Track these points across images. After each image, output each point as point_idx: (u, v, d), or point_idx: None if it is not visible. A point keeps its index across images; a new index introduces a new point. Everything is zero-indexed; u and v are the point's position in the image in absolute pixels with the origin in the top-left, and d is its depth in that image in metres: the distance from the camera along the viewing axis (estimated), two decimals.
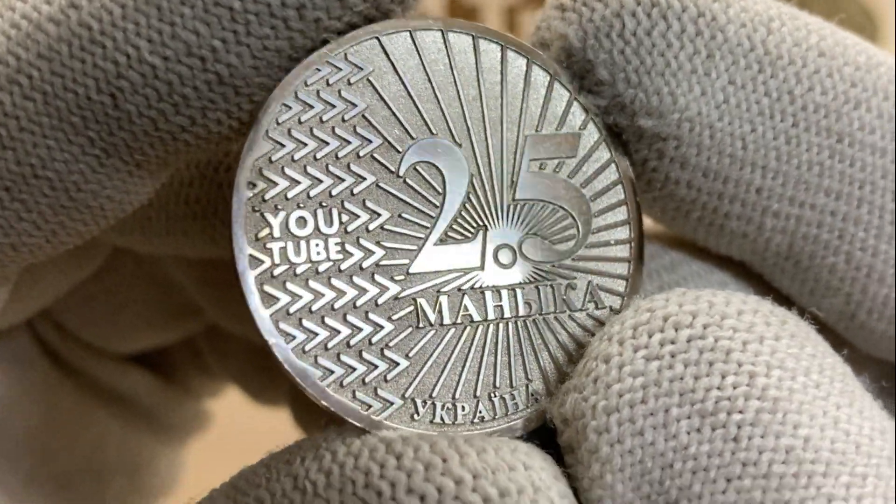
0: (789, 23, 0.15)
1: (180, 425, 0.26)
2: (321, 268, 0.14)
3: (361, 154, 0.14)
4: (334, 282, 0.14)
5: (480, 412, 0.14)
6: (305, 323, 0.13)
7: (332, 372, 0.13)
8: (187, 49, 0.13)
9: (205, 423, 0.27)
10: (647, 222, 0.17)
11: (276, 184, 0.14)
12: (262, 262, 0.13)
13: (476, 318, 0.14)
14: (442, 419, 0.14)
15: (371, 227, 0.14)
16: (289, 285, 0.13)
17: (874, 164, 0.15)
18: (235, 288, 0.13)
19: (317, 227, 0.14)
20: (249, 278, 0.13)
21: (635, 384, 0.13)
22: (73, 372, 0.23)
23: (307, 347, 0.13)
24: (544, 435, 0.14)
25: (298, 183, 0.14)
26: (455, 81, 0.14)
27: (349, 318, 0.14)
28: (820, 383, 0.13)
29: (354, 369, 0.14)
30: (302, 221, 0.14)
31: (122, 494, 0.24)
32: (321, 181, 0.14)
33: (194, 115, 0.14)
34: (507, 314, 0.14)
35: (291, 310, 0.13)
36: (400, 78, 0.14)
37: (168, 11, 0.13)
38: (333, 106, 0.14)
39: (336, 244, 0.14)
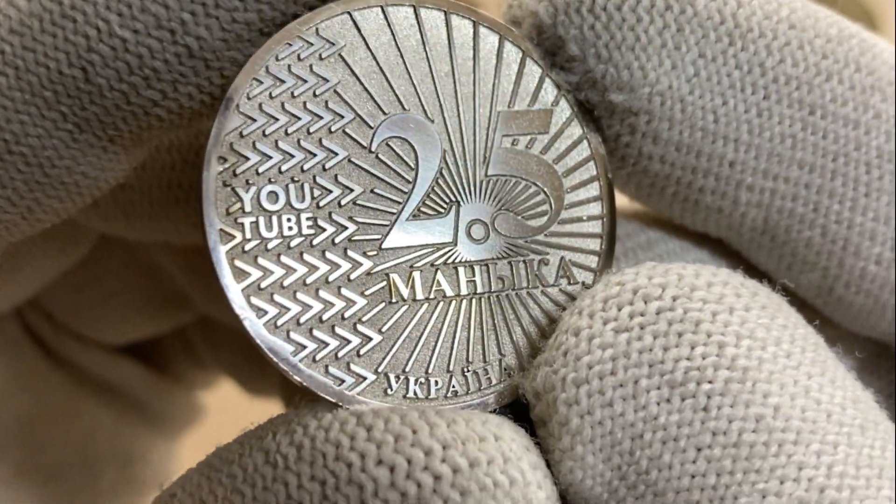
0: None
1: (173, 417, 0.26)
2: (293, 243, 0.14)
3: (333, 129, 0.14)
4: (306, 257, 0.14)
5: (454, 387, 0.14)
6: (277, 298, 0.13)
7: (305, 347, 0.13)
8: (157, 22, 0.13)
9: (198, 416, 0.27)
10: (624, 200, 0.17)
11: (247, 158, 0.13)
12: (233, 237, 0.13)
13: (449, 293, 0.14)
14: (415, 394, 0.14)
15: (343, 202, 0.14)
16: (260, 260, 0.13)
17: (847, 136, 0.15)
18: (207, 263, 0.13)
19: (288, 202, 0.14)
20: (220, 253, 0.13)
21: (604, 356, 0.13)
22: (64, 362, 0.23)
23: (279, 322, 0.13)
24: (518, 410, 0.14)
25: (270, 158, 0.14)
26: (427, 57, 0.14)
27: (321, 293, 0.14)
28: (791, 353, 0.13)
29: (327, 344, 0.14)
30: (273, 196, 0.14)
31: (114, 486, 0.24)
32: (293, 156, 0.14)
33: (165, 89, 0.14)
34: (479, 289, 0.14)
35: (263, 285, 0.13)
36: (372, 53, 0.14)
37: None
38: (305, 81, 0.14)
39: (308, 219, 0.14)
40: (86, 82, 0.14)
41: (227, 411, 0.28)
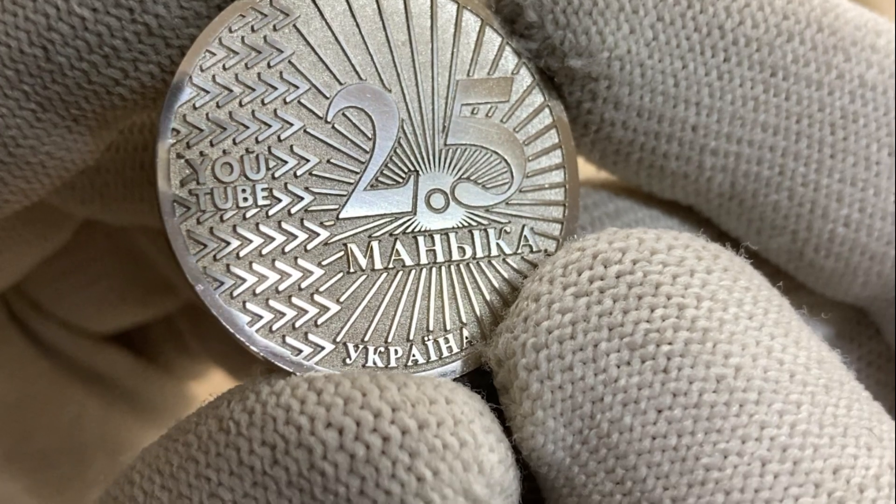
0: None
1: (163, 407, 0.26)
2: (248, 214, 0.13)
3: (288, 100, 0.14)
4: (262, 227, 0.13)
5: (414, 356, 0.14)
6: (233, 269, 0.13)
7: (261, 317, 0.13)
8: (115, 0, 0.13)
9: (188, 406, 0.27)
10: (592, 170, 0.16)
11: (200, 130, 0.13)
12: (188, 207, 0.13)
13: (408, 262, 0.14)
14: (374, 363, 0.14)
15: (299, 172, 0.14)
16: (216, 231, 0.13)
17: (810, 97, 0.14)
18: (161, 234, 0.13)
19: (243, 173, 0.13)
20: (174, 224, 0.13)
21: (564, 320, 0.13)
22: (50, 350, 0.23)
23: (235, 293, 0.13)
24: (481, 379, 0.14)
25: (224, 129, 0.13)
26: (384, 27, 0.14)
27: (277, 263, 0.13)
28: (753, 314, 0.13)
29: (283, 314, 0.13)
30: (228, 167, 0.13)
31: (104, 475, 0.24)
32: (247, 127, 0.14)
33: (126, 68, 0.14)
34: (440, 258, 0.14)
35: (218, 255, 0.13)
36: (327, 24, 0.14)
37: None
38: (259, 52, 0.14)
39: (263, 190, 0.13)
40: (46, 61, 0.14)
41: None
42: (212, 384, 0.27)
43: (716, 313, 0.12)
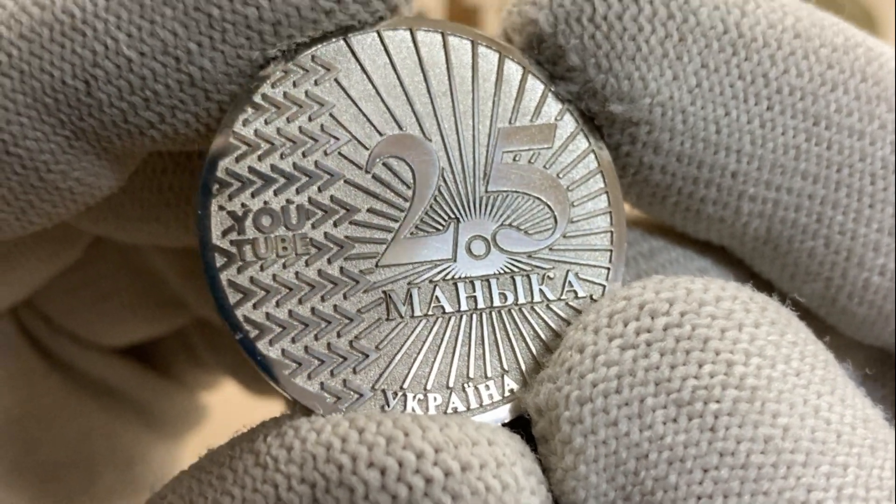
0: (764, 4, 0.14)
1: (175, 419, 0.26)
2: (289, 262, 0.13)
3: (329, 151, 0.14)
4: (302, 275, 0.13)
5: (453, 403, 0.14)
6: (273, 316, 0.13)
7: (300, 364, 0.13)
8: (164, 47, 0.13)
9: (200, 417, 0.26)
10: (626, 208, 0.16)
11: (242, 182, 0.13)
12: (230, 257, 0.13)
13: (448, 309, 0.14)
14: (413, 410, 0.13)
15: (339, 221, 0.14)
16: (256, 280, 0.13)
17: (852, 147, 0.14)
18: (204, 282, 0.13)
19: (284, 224, 0.13)
20: (216, 273, 0.13)
21: (609, 374, 0.12)
22: (60, 363, 0.23)
23: (275, 341, 0.13)
24: (520, 426, 0.14)
25: (265, 181, 0.13)
26: (425, 78, 0.14)
27: (318, 311, 0.13)
28: (800, 371, 0.12)
29: (322, 361, 0.13)
30: (269, 218, 0.13)
31: (113, 488, 0.24)
32: (288, 178, 0.13)
33: (163, 113, 0.14)
34: (480, 305, 0.14)
35: (258, 304, 0.13)
36: (368, 76, 0.14)
37: (150, 9, 0.13)
38: (300, 106, 0.14)
39: (303, 239, 0.13)
40: (87, 95, 0.14)
41: (229, 412, 0.28)
42: (223, 395, 0.27)
43: (764, 370, 0.12)
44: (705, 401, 0.12)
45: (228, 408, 0.27)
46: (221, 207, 0.13)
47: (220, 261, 0.13)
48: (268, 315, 0.13)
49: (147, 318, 0.23)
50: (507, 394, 0.14)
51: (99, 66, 0.13)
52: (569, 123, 0.14)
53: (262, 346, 0.13)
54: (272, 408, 0.26)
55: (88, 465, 0.23)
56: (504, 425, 0.14)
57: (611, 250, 0.14)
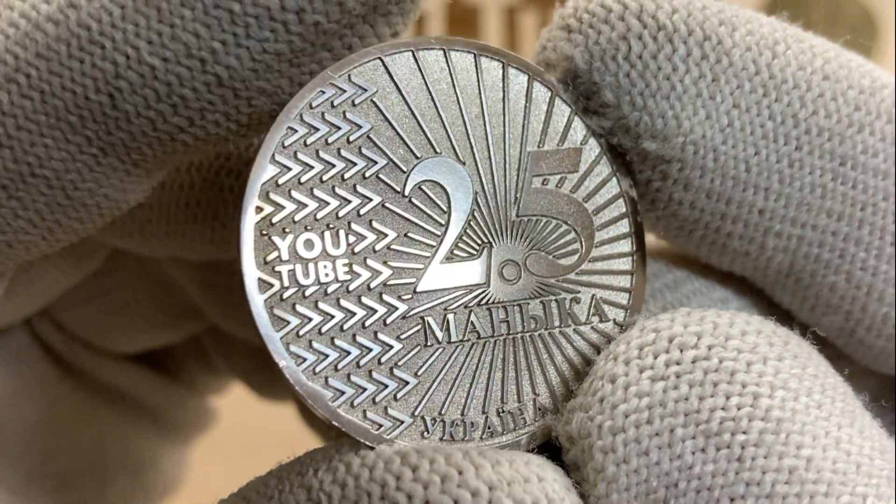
0: (794, 46, 0.14)
1: (185, 423, 0.26)
2: (330, 289, 0.13)
3: (367, 175, 0.14)
4: (343, 303, 0.13)
5: (490, 428, 0.14)
6: (315, 345, 0.13)
7: (343, 392, 0.13)
8: (187, 50, 0.13)
9: (210, 421, 0.27)
10: (650, 238, 0.16)
11: (283, 207, 0.13)
12: (272, 285, 0.13)
13: (483, 334, 0.14)
14: (451, 436, 0.14)
15: (378, 247, 0.14)
16: (298, 308, 0.13)
17: (876, 187, 0.15)
18: (244, 311, 0.13)
19: (324, 249, 0.13)
20: (259, 302, 0.13)
21: (641, 405, 0.13)
22: (73, 371, 0.23)
23: (318, 369, 0.13)
24: (548, 449, 0.14)
25: (305, 206, 0.13)
26: (458, 100, 0.14)
27: (359, 338, 0.13)
28: (822, 403, 0.13)
29: (365, 389, 0.13)
30: (310, 244, 0.13)
31: (125, 493, 0.24)
32: (328, 203, 0.14)
33: (193, 117, 0.14)
34: (513, 330, 0.14)
35: (301, 332, 0.13)
36: (403, 98, 0.14)
37: (168, 13, 0.13)
38: (338, 128, 0.14)
39: (344, 265, 0.14)
40: (113, 108, 0.13)
41: (237, 416, 0.28)
42: (232, 398, 0.27)
43: (788, 403, 0.13)
44: (733, 432, 0.12)
45: (235, 410, 0.28)
46: (263, 233, 0.13)
47: (262, 287, 0.13)
48: (310, 343, 0.13)
49: (162, 326, 0.23)
50: (538, 418, 0.14)
51: (122, 77, 0.13)
52: (593, 148, 0.15)
53: (306, 374, 0.13)
54: (280, 412, 0.26)
55: (100, 472, 0.23)
56: (535, 448, 0.14)
57: (632, 273, 0.15)
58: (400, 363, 0.14)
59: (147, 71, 0.13)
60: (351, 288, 0.14)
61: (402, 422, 0.14)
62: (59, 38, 0.13)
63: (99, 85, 0.13)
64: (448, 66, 0.14)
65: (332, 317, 0.13)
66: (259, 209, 0.13)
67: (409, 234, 0.14)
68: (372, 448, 0.13)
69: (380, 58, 0.14)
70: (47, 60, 0.13)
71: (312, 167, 0.14)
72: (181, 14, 0.13)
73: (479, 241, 0.14)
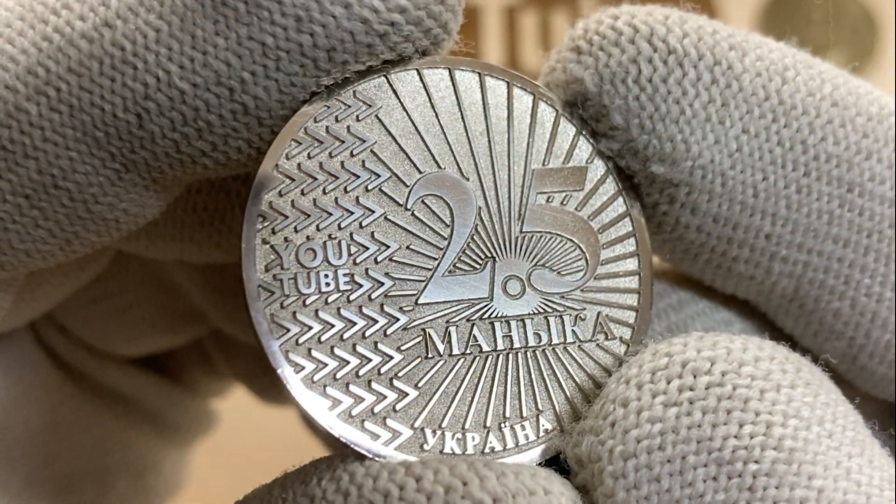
0: (804, 72, 0.14)
1: (187, 427, 0.25)
2: (330, 299, 0.13)
3: (370, 188, 0.13)
4: (343, 312, 0.13)
5: (490, 443, 0.13)
6: (315, 353, 0.13)
7: (341, 402, 0.13)
8: (217, 78, 0.13)
9: (211, 424, 0.26)
10: (654, 259, 0.16)
11: (285, 217, 0.13)
12: (272, 293, 0.13)
13: (485, 348, 0.13)
14: (451, 450, 0.13)
15: (380, 258, 0.13)
16: (298, 316, 0.13)
17: (882, 214, 0.14)
18: (245, 317, 0.13)
19: (326, 259, 0.13)
20: (259, 309, 0.13)
21: (653, 430, 0.12)
22: (76, 374, 0.22)
23: (316, 377, 0.13)
24: (553, 467, 0.13)
25: (308, 216, 0.13)
26: (462, 117, 0.14)
27: (358, 348, 0.13)
28: (833, 433, 0.12)
29: (363, 399, 0.13)
30: (311, 253, 0.13)
31: (126, 497, 0.23)
32: (330, 214, 0.13)
33: (216, 142, 0.13)
34: (516, 344, 0.13)
35: (301, 340, 0.13)
36: (408, 114, 0.14)
37: (202, 40, 0.13)
38: (342, 141, 0.13)
39: (345, 275, 0.13)
40: (139, 128, 0.13)
41: (239, 419, 0.27)
42: (233, 400, 0.26)
43: (801, 433, 0.12)
44: (745, 461, 0.12)
45: (237, 413, 0.27)
46: (265, 241, 0.13)
47: (262, 295, 0.13)
48: (310, 351, 0.13)
49: (166, 330, 0.23)
50: (541, 434, 0.13)
51: (151, 98, 0.13)
52: (599, 167, 0.14)
53: (304, 382, 0.13)
54: (282, 416, 0.26)
55: (102, 475, 0.22)
56: (539, 465, 0.13)
57: (639, 292, 0.14)
58: (400, 374, 0.13)
59: (176, 94, 0.13)
60: (352, 298, 0.13)
61: (401, 433, 0.13)
62: (91, 56, 0.13)
63: (128, 104, 0.13)
64: (453, 84, 0.14)
65: (333, 326, 0.13)
66: (262, 218, 0.13)
67: (412, 247, 0.13)
68: (371, 458, 0.12)
69: (385, 76, 0.14)
70: (78, 76, 0.13)
71: (316, 178, 0.13)
72: (215, 42, 0.13)
73: (483, 256, 0.14)
